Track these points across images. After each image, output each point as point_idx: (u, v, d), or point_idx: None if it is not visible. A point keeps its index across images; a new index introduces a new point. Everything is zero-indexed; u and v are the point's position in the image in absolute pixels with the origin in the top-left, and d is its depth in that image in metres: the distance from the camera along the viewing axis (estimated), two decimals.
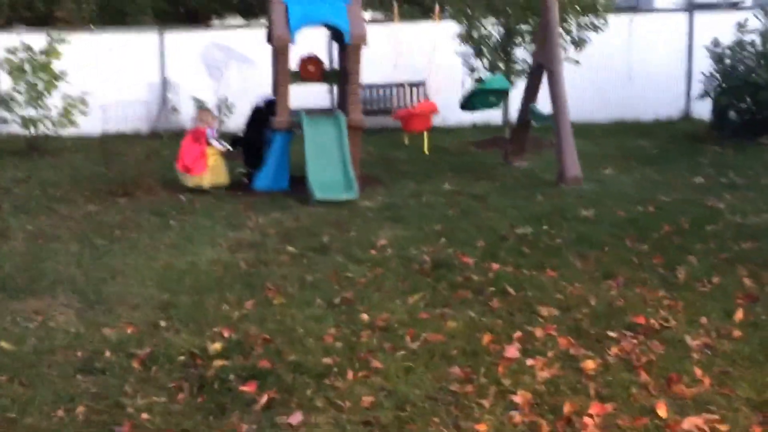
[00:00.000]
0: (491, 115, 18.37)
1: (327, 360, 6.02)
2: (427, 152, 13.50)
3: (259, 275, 8.23)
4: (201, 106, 14.34)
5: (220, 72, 17.55)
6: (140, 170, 13.59)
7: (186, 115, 20.05)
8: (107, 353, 6.17)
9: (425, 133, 13.39)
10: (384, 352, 6.20)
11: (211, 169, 13.02)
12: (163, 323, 6.85)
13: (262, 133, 12.83)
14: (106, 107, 19.79)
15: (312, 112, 12.85)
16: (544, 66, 13.31)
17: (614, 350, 6.18)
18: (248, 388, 5.56)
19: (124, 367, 5.94)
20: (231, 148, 13.05)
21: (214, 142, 13.08)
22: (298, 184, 12.38)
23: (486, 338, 6.42)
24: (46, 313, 7.12)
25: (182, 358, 6.09)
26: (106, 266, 8.59)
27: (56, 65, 16.49)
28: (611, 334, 6.49)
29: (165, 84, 20.56)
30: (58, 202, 11.99)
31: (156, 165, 15.02)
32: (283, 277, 8.15)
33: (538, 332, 6.55)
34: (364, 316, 6.93)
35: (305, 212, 10.97)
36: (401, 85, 19.48)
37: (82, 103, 16.63)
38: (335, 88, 19.06)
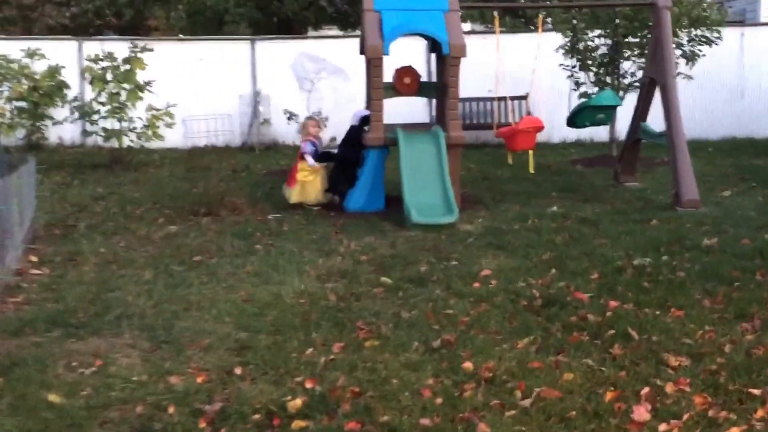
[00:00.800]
0: (596, 132, 17.36)
1: (425, 421, 5.11)
2: (532, 171, 12.52)
3: (350, 310, 7.36)
4: (310, 117, 13.52)
5: (312, 83, 16.80)
6: (227, 187, 12.92)
7: (278, 127, 19.50)
8: (171, 409, 5.32)
9: (530, 152, 12.39)
10: (491, 411, 5.26)
11: (300, 186, 12.25)
12: (238, 370, 5.99)
13: (358, 153, 11.97)
14: (195, 120, 19.30)
15: (408, 128, 11.96)
16: (656, 81, 12.24)
17: (760, 413, 5.16)
18: None
19: (188, 429, 5.08)
20: (320, 165, 12.24)
21: (307, 159, 12.29)
22: (393, 204, 11.53)
23: (609, 395, 5.45)
24: (106, 356, 6.30)
25: (257, 416, 5.22)
26: (180, 297, 7.80)
27: (142, 75, 15.81)
28: (754, 391, 5.45)
29: (256, 96, 19.93)
30: (137, 221, 11.32)
31: (244, 182, 14.39)
32: (376, 313, 7.26)
33: (669, 387, 5.55)
34: (468, 365, 6.00)
35: (401, 237, 10.08)
36: (502, 98, 18.53)
37: (168, 115, 15.97)
38: (433, 102, 18.43)
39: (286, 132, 19.43)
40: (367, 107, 12.33)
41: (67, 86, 16.61)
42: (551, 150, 17.25)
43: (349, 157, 12.03)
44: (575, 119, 13.05)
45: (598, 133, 18.64)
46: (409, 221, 10.39)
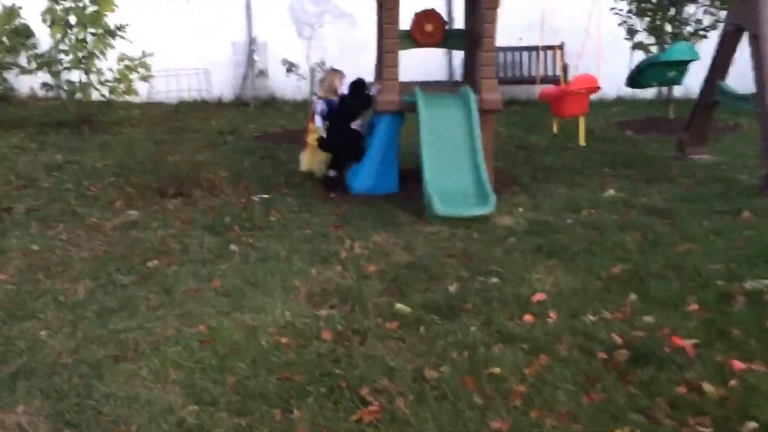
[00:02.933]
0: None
1: None
2: (582, 143, 10.00)
3: (351, 364, 5.11)
4: (334, 69, 10.95)
5: (312, 29, 14.32)
6: (207, 158, 10.64)
7: (276, 80, 17.14)
8: None
9: (581, 119, 9.91)
10: None
11: (310, 150, 9.99)
12: None
13: (348, 130, 9.58)
14: (180, 71, 16.94)
15: (430, 89, 9.54)
16: (744, 29, 9.79)
17: None
18: None
19: None
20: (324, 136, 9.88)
21: (316, 119, 9.94)
22: (409, 184, 9.22)
23: None
24: None
25: None
26: (113, 335, 5.55)
27: (112, 19, 13.36)
28: None
29: (251, 43, 17.49)
30: (91, 203, 9.04)
31: (230, 148, 12.09)
32: (389, 371, 5.00)
33: None
34: None
35: (420, 235, 7.75)
36: (535, 48, 16.15)
37: (143, 66, 13.54)
38: (454, 57, 15.97)
39: (284, 85, 16.98)
40: (378, 61, 9.92)
41: (31, 33, 14.06)
42: (591, 110, 14.80)
43: (340, 138, 9.66)
44: (639, 78, 10.60)
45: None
46: (431, 213, 8.01)
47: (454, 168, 8.40)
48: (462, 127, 8.75)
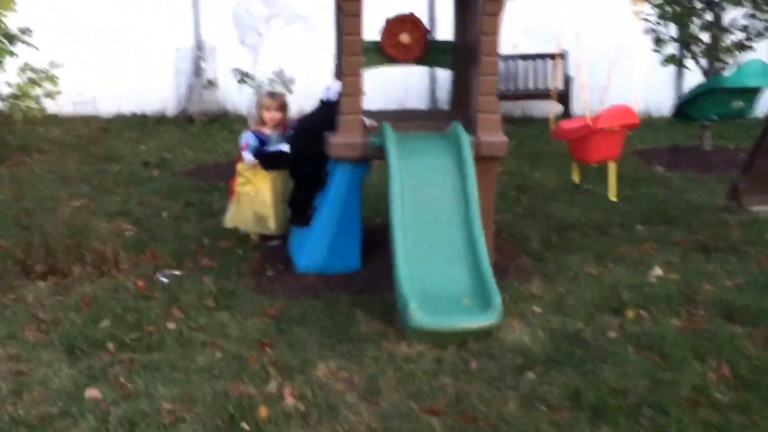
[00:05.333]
0: (650, 101, 12.48)
1: None
2: (614, 198, 7.19)
3: None
4: (271, 92, 8.18)
5: (259, 36, 11.63)
6: (112, 209, 8.01)
7: (227, 91, 14.49)
8: None
9: (611, 166, 7.14)
10: None
11: (239, 200, 7.33)
12: None
13: (324, 156, 6.82)
14: (108, 85, 14.34)
15: (405, 123, 6.83)
16: None
17: None
18: None
19: None
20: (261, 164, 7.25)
21: (244, 156, 7.27)
22: (378, 253, 6.61)
23: None
24: None
25: None
26: None
27: (14, 20, 10.72)
28: None
29: (200, 49, 14.80)
30: None
31: (148, 188, 9.47)
32: None
33: None
34: None
35: (390, 365, 5.04)
36: (533, 57, 13.60)
37: (50, 80, 10.80)
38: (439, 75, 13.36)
39: (238, 98, 14.27)
40: (337, 79, 7.16)
41: None
42: None
43: (309, 154, 6.86)
44: (692, 108, 7.89)
45: (655, 103, 13.68)
46: (407, 324, 5.24)
47: (439, 251, 5.68)
48: (451, 185, 6.05)
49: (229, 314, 5.80)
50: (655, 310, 5.81)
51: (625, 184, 9.28)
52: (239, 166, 7.33)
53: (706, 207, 8.54)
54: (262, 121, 7.35)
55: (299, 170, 7.00)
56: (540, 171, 10.25)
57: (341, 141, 6.41)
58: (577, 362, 4.99)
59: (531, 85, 14.24)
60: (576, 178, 7.64)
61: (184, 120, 14.48)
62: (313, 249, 6.58)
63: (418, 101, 14.67)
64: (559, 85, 13.11)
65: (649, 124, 13.41)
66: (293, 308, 5.87)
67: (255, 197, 7.26)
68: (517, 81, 14.30)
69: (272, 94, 7.67)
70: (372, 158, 6.51)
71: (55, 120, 14.03)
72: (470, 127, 6.53)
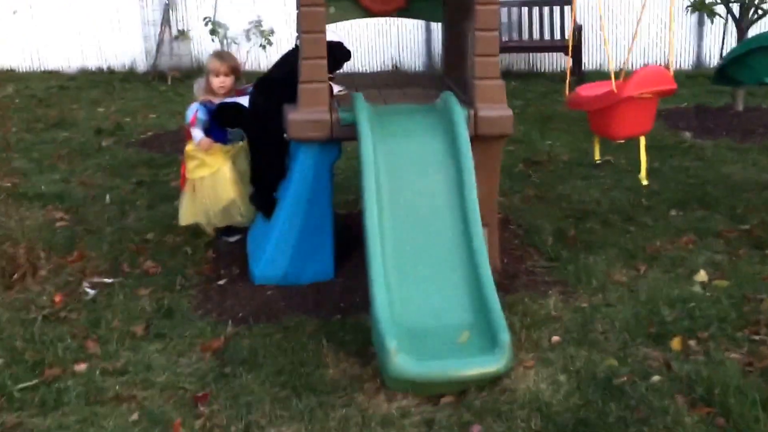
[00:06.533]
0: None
1: None
2: (645, 182, 5.85)
3: None
4: (216, 52, 6.74)
5: None
6: (44, 189, 6.76)
7: (202, 43, 13.35)
8: None
9: (642, 140, 5.74)
10: None
11: (194, 188, 5.94)
12: None
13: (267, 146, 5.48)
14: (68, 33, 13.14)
15: (382, 93, 5.49)
16: None
17: None
18: None
19: None
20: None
21: (193, 133, 5.91)
22: (354, 259, 5.31)
23: None
24: None
25: None
26: None
27: None
28: None
29: None
30: None
31: (96, 163, 8.25)
32: None
33: None
34: None
35: (369, 426, 3.74)
36: (537, 3, 12.26)
37: None
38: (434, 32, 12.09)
39: (211, 50, 13.07)
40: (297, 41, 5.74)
41: None
42: None
43: (277, 113, 5.47)
44: (741, 69, 6.49)
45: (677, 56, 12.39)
46: (387, 370, 3.89)
47: (428, 267, 4.35)
48: (443, 176, 4.70)
49: (159, 347, 4.51)
50: (705, 334, 4.51)
51: (650, 154, 7.90)
52: (188, 148, 5.98)
53: (750, 185, 7.22)
54: (211, 90, 6.00)
55: (263, 135, 5.60)
56: (551, 138, 8.93)
57: (302, 117, 5.03)
58: (612, 425, 3.69)
59: (537, 35, 12.82)
60: (597, 156, 6.31)
61: (154, 77, 13.18)
62: (273, 254, 5.25)
63: (411, 60, 13.45)
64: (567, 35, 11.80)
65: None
66: (243, 339, 4.57)
67: (214, 180, 5.91)
68: (521, 30, 12.89)
69: (219, 55, 6.27)
70: (343, 139, 5.13)
71: (12, 75, 12.81)
72: (466, 97, 5.18)
